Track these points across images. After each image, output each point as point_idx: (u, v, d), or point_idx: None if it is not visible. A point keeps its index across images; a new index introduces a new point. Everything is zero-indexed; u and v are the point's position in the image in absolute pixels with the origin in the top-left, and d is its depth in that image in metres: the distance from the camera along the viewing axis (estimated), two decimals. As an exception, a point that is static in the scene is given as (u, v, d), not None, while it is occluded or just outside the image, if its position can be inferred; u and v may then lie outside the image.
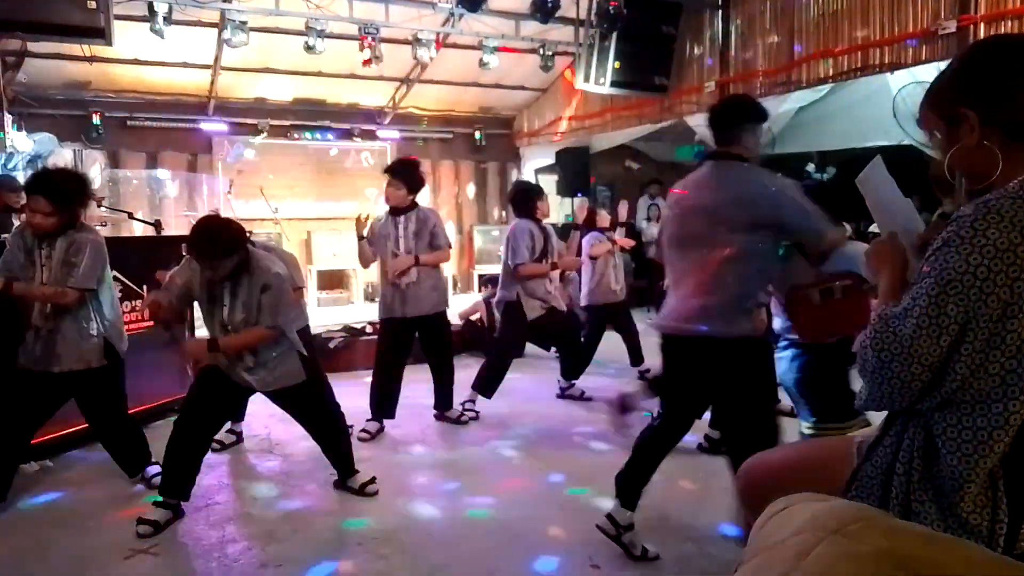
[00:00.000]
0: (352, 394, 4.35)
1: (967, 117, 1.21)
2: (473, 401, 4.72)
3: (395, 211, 4.29)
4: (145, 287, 4.58)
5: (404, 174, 4.25)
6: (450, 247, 4.43)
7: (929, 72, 5.34)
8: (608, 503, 2.82)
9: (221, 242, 2.96)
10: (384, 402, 4.37)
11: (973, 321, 1.10)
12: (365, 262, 4.42)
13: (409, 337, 4.41)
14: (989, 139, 1.20)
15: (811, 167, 9.03)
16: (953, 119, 1.23)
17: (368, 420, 4.34)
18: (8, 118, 6.65)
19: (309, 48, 6.35)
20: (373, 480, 3.47)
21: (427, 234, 4.29)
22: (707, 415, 3.64)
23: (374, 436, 4.28)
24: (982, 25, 4.86)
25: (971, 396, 1.14)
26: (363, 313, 7.67)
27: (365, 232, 4.30)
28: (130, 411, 3.52)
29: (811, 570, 0.49)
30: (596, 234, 5.57)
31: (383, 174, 4.34)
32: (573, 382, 5.20)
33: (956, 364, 1.13)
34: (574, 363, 5.15)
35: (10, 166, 6.19)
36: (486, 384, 4.73)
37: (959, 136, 1.23)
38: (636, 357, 5.72)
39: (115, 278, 4.43)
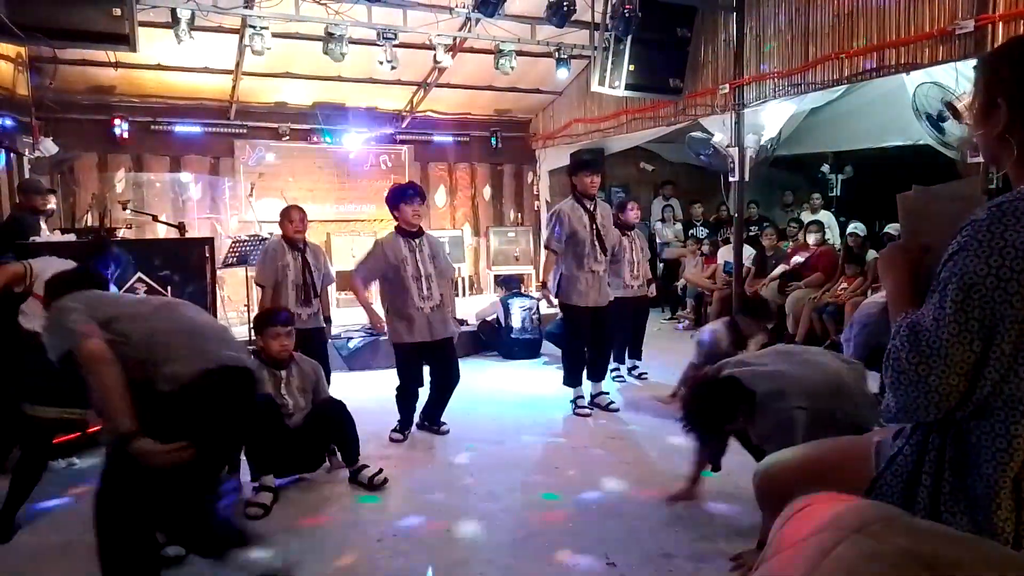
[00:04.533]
0: (371, 390, 4.42)
1: (1000, 107, 1.20)
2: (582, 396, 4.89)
3: (408, 233, 4.27)
4: (169, 288, 4.69)
5: (423, 196, 4.36)
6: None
7: (946, 72, 5.33)
8: (621, 500, 2.85)
9: None
10: (411, 413, 4.45)
11: (1000, 324, 1.10)
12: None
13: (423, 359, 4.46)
14: (1012, 134, 1.19)
15: (826, 167, 9.00)
16: (992, 101, 1.22)
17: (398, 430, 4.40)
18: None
19: (330, 53, 6.44)
20: (380, 471, 3.56)
21: (441, 258, 4.40)
22: None
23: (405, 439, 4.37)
24: (1000, 25, 4.83)
25: (1003, 401, 1.13)
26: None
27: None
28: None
29: (833, 569, 0.48)
30: None
31: (409, 201, 4.24)
32: (601, 388, 5.08)
33: (987, 369, 1.12)
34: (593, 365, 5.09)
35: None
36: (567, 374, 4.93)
37: (988, 120, 1.23)
38: (634, 351, 5.88)
39: (139, 279, 4.57)
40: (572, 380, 4.90)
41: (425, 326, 4.24)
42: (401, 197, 4.27)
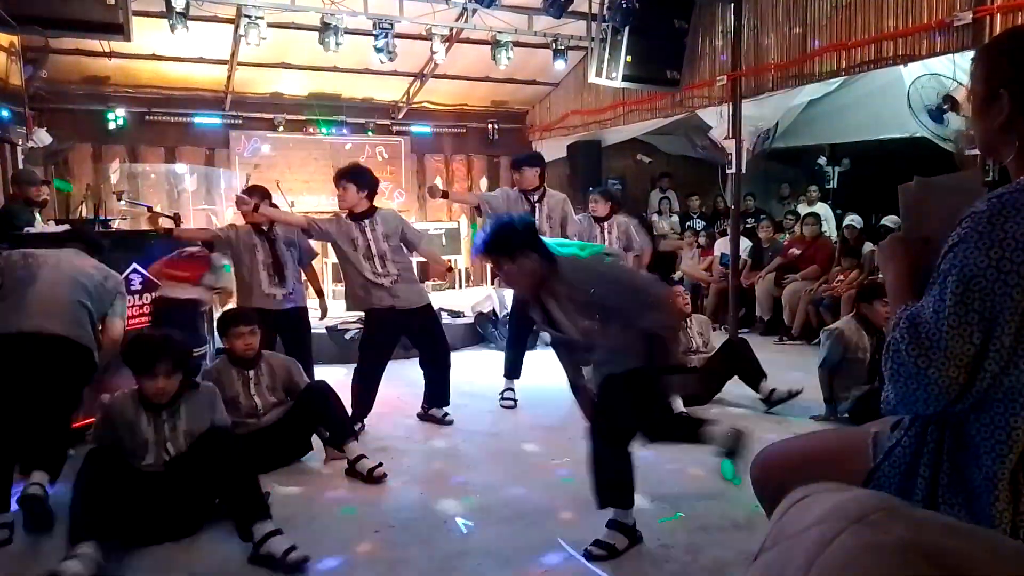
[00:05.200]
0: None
1: (1002, 98, 1.19)
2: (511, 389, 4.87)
3: (354, 215, 4.26)
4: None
5: (356, 176, 4.28)
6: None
7: (944, 64, 5.33)
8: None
9: None
10: (369, 402, 4.30)
11: (1000, 316, 1.09)
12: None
13: (397, 333, 4.39)
14: (1015, 126, 1.18)
15: (823, 160, 9.00)
16: (993, 92, 1.21)
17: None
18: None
19: (325, 44, 6.40)
20: (380, 464, 3.55)
21: (397, 237, 4.34)
22: None
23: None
24: (999, 16, 4.82)
25: (1003, 394, 1.13)
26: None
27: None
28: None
29: (833, 560, 0.48)
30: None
31: (336, 181, 4.31)
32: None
33: (986, 362, 1.11)
34: None
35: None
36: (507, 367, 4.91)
37: (989, 111, 1.22)
38: None
39: (134, 270, 4.56)
40: (510, 370, 4.90)
41: (388, 295, 4.21)
42: (342, 176, 4.31)
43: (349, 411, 4.10)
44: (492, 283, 8.57)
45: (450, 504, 3.26)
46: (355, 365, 4.38)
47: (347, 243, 4.22)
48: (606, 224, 5.52)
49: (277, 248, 4.46)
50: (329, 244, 4.59)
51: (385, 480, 3.51)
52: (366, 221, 4.26)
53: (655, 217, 9.84)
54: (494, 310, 6.94)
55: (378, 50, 6.60)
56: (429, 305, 4.50)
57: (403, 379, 4.64)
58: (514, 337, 5.04)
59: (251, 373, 3.62)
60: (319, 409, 3.62)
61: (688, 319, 4.79)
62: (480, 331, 7.01)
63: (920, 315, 1.17)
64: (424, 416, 4.52)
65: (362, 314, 4.61)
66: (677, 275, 8.71)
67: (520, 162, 4.97)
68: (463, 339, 6.82)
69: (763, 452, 1.72)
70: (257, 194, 4.53)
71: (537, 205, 4.88)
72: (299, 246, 4.63)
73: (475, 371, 5.73)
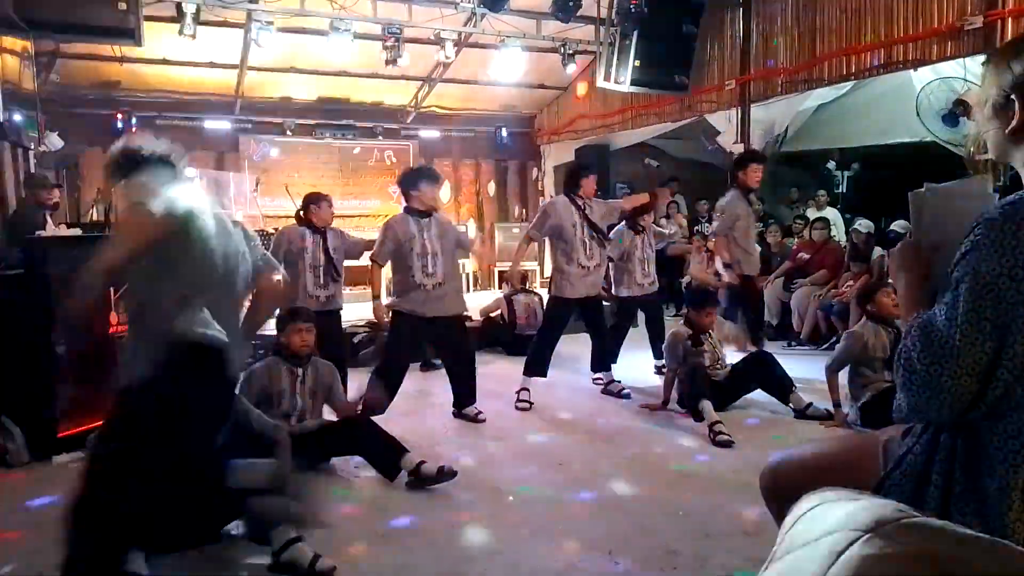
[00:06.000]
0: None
1: (1014, 103, 1.18)
2: (527, 390, 4.88)
3: (419, 213, 4.37)
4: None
5: (440, 179, 4.51)
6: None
7: (954, 69, 5.31)
8: (626, 496, 2.84)
9: None
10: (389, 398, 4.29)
11: (1014, 323, 1.08)
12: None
13: (422, 338, 4.44)
14: None
15: (832, 164, 8.97)
16: (1004, 97, 1.20)
17: None
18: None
19: (334, 43, 6.44)
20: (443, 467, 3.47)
21: (451, 238, 4.48)
22: None
23: None
24: (1010, 20, 4.80)
25: (1017, 402, 1.12)
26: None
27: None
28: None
29: (846, 571, 0.48)
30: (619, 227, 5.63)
31: (432, 182, 4.44)
32: (599, 375, 5.32)
33: (1000, 370, 1.10)
34: (598, 355, 5.26)
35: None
36: (532, 365, 4.91)
37: (999, 116, 1.21)
38: (656, 350, 5.83)
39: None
40: (535, 369, 4.92)
41: (424, 302, 4.28)
42: (427, 178, 4.43)
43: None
44: (500, 287, 8.57)
45: (456, 508, 3.25)
46: (360, 369, 4.41)
47: (406, 240, 4.30)
48: (643, 231, 5.63)
49: (328, 252, 4.61)
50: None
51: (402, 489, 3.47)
52: (425, 220, 4.37)
53: (663, 221, 9.82)
54: (502, 314, 6.93)
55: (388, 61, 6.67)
56: (461, 316, 4.56)
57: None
58: (551, 340, 5.01)
59: (300, 371, 3.63)
60: (366, 445, 3.56)
61: (711, 330, 4.75)
62: (488, 335, 7.00)
63: (932, 323, 1.15)
64: (457, 415, 4.61)
65: (369, 318, 4.64)
66: (685, 279, 8.69)
67: (586, 170, 5.06)
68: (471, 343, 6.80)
69: (773, 459, 1.70)
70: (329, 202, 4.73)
71: (587, 210, 4.91)
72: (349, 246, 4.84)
73: (482, 376, 5.70)
